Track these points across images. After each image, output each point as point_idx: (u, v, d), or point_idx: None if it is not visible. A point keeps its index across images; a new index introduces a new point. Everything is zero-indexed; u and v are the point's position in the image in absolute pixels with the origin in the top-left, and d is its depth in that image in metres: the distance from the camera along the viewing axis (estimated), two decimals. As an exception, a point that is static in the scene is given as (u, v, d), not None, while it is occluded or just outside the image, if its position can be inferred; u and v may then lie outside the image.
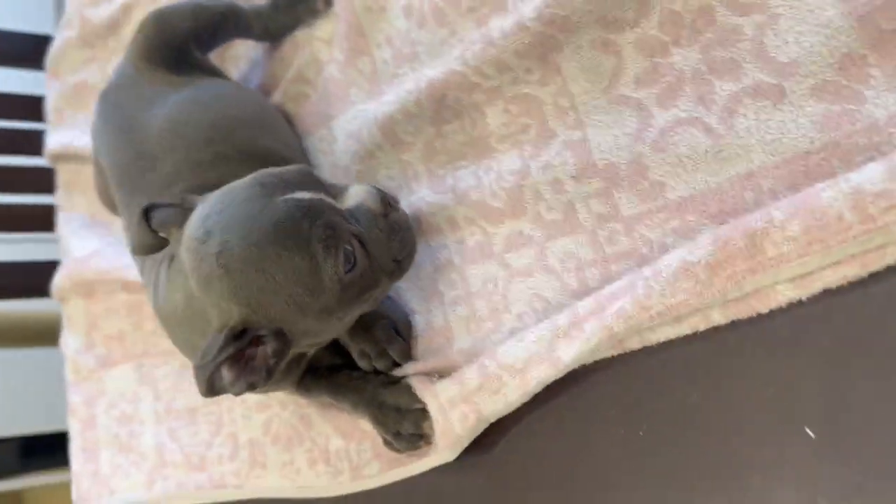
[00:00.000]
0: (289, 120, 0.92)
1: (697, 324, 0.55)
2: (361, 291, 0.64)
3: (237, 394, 0.62)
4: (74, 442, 1.28)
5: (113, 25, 1.23)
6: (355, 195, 0.65)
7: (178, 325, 0.70)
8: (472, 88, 0.70)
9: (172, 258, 0.68)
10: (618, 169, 0.61)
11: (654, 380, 0.58)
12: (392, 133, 0.77)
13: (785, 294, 0.51)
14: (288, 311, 0.61)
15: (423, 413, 0.71)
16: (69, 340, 1.30)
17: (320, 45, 0.89)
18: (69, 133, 1.33)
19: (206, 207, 0.63)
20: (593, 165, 0.62)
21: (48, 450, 2.28)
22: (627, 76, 0.61)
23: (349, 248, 0.61)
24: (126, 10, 1.21)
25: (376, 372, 0.76)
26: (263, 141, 0.83)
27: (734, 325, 0.54)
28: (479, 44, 0.68)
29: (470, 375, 0.65)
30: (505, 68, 0.67)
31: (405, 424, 0.72)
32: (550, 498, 0.65)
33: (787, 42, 0.53)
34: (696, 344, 0.56)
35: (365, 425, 0.78)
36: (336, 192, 0.65)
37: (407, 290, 0.77)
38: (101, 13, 1.24)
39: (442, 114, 0.73)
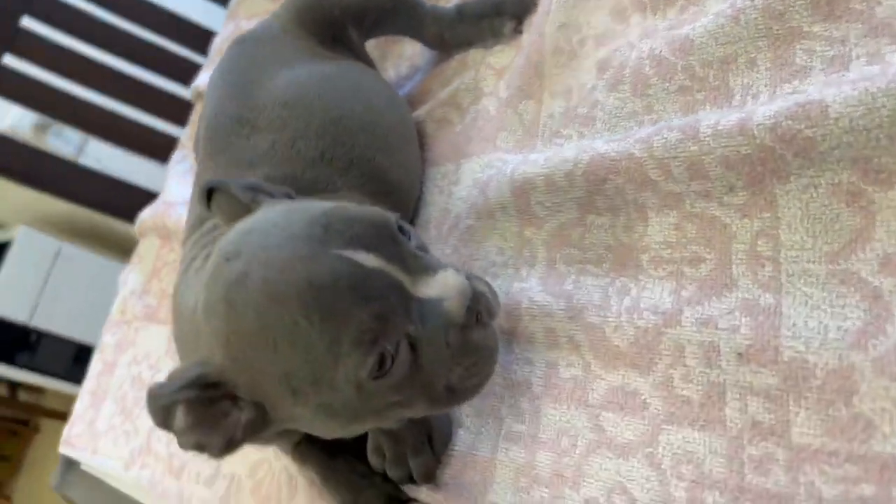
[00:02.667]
0: (422, 142, 0.78)
1: None
2: (384, 407, 0.47)
3: (183, 445, 0.47)
4: (89, 381, 1.18)
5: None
6: (441, 285, 0.47)
7: (179, 321, 0.57)
8: (645, 184, 0.52)
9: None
10: (810, 372, 0.41)
11: None
12: (524, 198, 0.60)
13: None
14: (278, 389, 0.46)
15: None
16: (129, 277, 1.21)
17: (489, 73, 0.74)
18: (218, 75, 1.27)
19: (260, 220, 0.48)
20: (775, 351, 0.42)
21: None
22: (871, 251, 0.41)
23: (390, 350, 0.45)
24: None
25: (385, 477, 0.58)
26: (383, 159, 0.68)
27: None
28: (676, 132, 0.50)
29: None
30: (700, 175, 0.49)
31: None
32: None
33: None
34: None
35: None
36: (419, 265, 0.48)
37: (464, 395, 0.59)
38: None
39: (594, 201, 0.56)
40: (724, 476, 0.42)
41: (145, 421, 0.98)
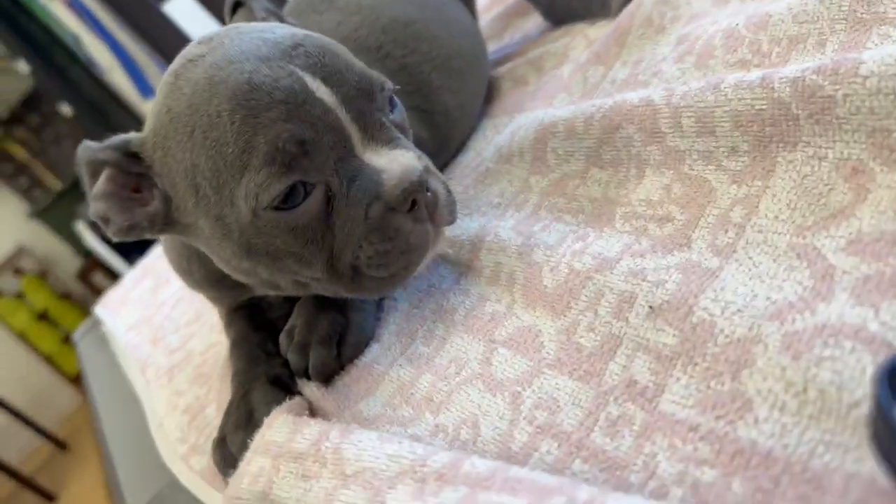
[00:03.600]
0: (492, 97, 0.74)
1: None
2: (280, 251, 0.44)
3: (92, 212, 0.46)
4: (147, 257, 1.24)
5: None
6: (390, 159, 0.43)
7: None
8: (654, 135, 0.45)
9: None
10: (712, 338, 0.32)
11: None
12: (542, 144, 0.55)
13: None
14: (184, 181, 0.44)
15: None
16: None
17: (582, 42, 0.70)
18: None
19: (252, 25, 0.47)
20: (688, 310, 0.34)
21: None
22: (846, 227, 0.32)
23: (304, 187, 0.42)
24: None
25: (287, 362, 0.54)
26: (438, 77, 0.66)
27: None
28: (702, 83, 0.43)
29: (304, 437, 0.41)
30: (707, 131, 0.42)
31: (236, 436, 0.49)
32: None
33: None
34: None
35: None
36: (383, 133, 0.45)
37: (396, 312, 0.54)
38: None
39: (602, 152, 0.50)
40: (572, 430, 0.34)
41: (161, 296, 1.00)
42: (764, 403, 0.28)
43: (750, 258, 0.35)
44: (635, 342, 0.35)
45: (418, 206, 0.44)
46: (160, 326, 0.89)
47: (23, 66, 3.03)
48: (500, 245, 0.49)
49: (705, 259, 0.37)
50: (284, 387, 0.52)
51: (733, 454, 0.28)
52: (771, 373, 0.29)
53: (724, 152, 0.41)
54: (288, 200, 0.41)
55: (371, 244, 0.43)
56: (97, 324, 1.14)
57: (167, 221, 0.47)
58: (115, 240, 0.47)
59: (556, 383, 0.37)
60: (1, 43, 2.83)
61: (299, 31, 0.45)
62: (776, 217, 0.36)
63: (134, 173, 0.46)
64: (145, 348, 0.86)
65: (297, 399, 0.49)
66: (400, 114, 0.49)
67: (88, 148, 0.46)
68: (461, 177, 0.64)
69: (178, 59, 0.45)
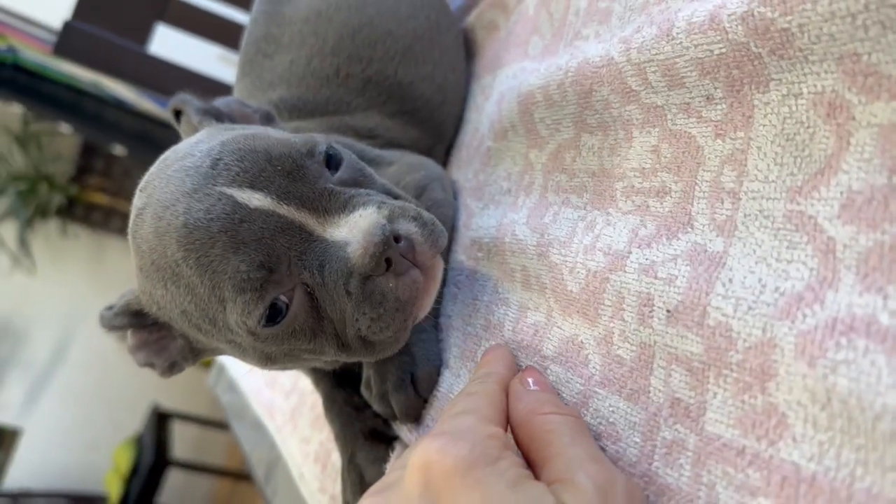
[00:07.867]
0: (472, 52, 0.71)
1: None
2: (294, 351, 0.45)
3: (136, 362, 0.50)
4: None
5: None
6: (350, 227, 0.42)
7: None
8: (628, 95, 0.43)
9: None
10: (732, 343, 0.31)
11: None
12: (528, 115, 0.53)
13: None
14: (185, 325, 0.45)
15: None
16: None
17: (535, -35, 0.65)
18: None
19: (178, 148, 0.46)
20: (703, 312, 0.33)
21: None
22: (836, 186, 0.30)
23: (283, 299, 0.41)
24: None
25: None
26: (406, 73, 0.63)
27: None
28: (654, 28, 0.40)
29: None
30: (677, 84, 0.39)
31: (356, 502, 0.53)
32: None
33: None
34: None
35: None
36: (336, 202, 0.43)
37: (454, 331, 0.55)
38: None
39: (586, 117, 0.47)
40: (636, 459, 0.35)
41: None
42: (798, 419, 0.28)
43: (752, 236, 0.33)
44: (667, 352, 0.35)
45: (393, 261, 0.42)
46: (270, 366, 0.94)
47: (66, 127, 3.14)
48: (519, 246, 0.49)
49: (710, 242, 0.35)
50: (383, 437, 0.55)
51: (782, 482, 0.28)
52: (794, 383, 0.28)
53: (700, 102, 0.38)
54: (272, 316, 0.42)
55: (364, 315, 0.43)
56: (223, 369, 1.22)
57: (195, 353, 0.49)
58: (166, 377, 0.51)
59: (610, 404, 0.38)
60: (37, 114, 2.94)
61: (216, 141, 0.43)
62: (766, 178, 0.33)
63: (150, 323, 0.48)
64: (265, 392, 0.92)
65: (398, 451, 0.52)
66: (348, 166, 0.46)
67: (104, 318, 0.48)
68: (468, 161, 0.63)
69: (132, 212, 0.45)
